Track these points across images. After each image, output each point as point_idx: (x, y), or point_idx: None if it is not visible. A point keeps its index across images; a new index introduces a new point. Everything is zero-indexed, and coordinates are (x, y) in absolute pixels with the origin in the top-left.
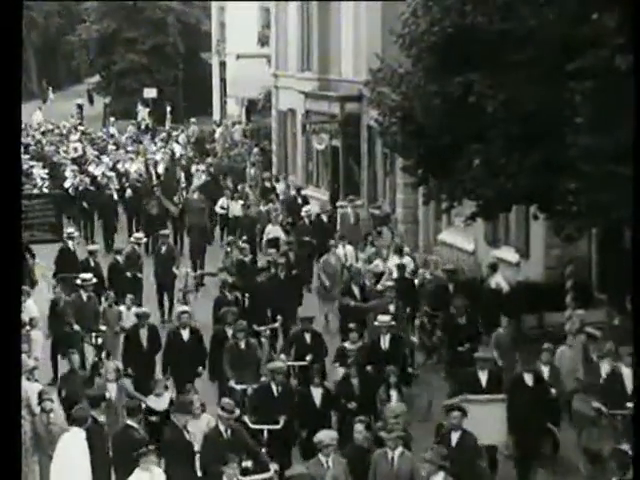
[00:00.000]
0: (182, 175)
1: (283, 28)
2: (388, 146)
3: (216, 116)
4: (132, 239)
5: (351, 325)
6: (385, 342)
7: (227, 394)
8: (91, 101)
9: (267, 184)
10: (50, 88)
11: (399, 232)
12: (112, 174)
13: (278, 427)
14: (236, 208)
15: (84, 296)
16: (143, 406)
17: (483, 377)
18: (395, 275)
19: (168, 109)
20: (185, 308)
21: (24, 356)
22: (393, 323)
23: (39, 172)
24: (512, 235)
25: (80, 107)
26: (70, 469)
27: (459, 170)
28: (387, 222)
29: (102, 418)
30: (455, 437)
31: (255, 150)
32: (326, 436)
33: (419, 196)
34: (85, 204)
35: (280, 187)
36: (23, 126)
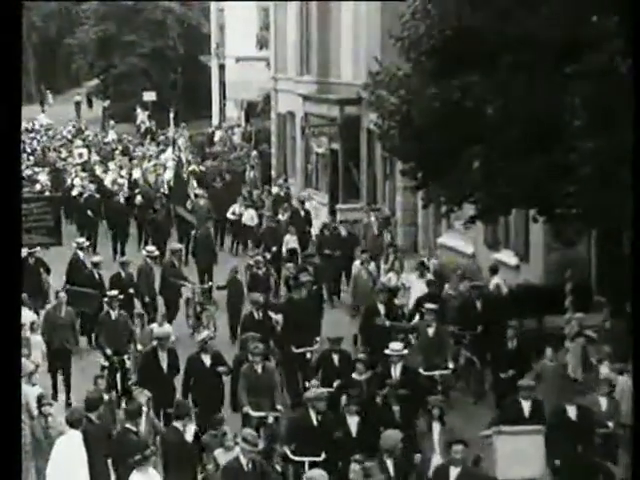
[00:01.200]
0: (194, 181)
1: (282, 31)
2: (387, 149)
3: (215, 119)
4: (144, 252)
5: (360, 355)
6: (396, 373)
7: (244, 423)
8: (90, 104)
9: (280, 192)
10: (49, 91)
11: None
12: (123, 181)
13: (320, 459)
14: (248, 216)
15: (112, 314)
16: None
17: (526, 406)
18: (418, 291)
19: (172, 114)
20: (209, 333)
21: (23, 360)
22: (405, 352)
23: (44, 178)
24: (512, 238)
25: (78, 104)
26: (67, 471)
27: (458, 173)
28: (387, 225)
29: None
30: (454, 474)
31: (254, 153)
32: (319, 475)
33: (419, 199)
34: (90, 212)
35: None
36: (32, 129)
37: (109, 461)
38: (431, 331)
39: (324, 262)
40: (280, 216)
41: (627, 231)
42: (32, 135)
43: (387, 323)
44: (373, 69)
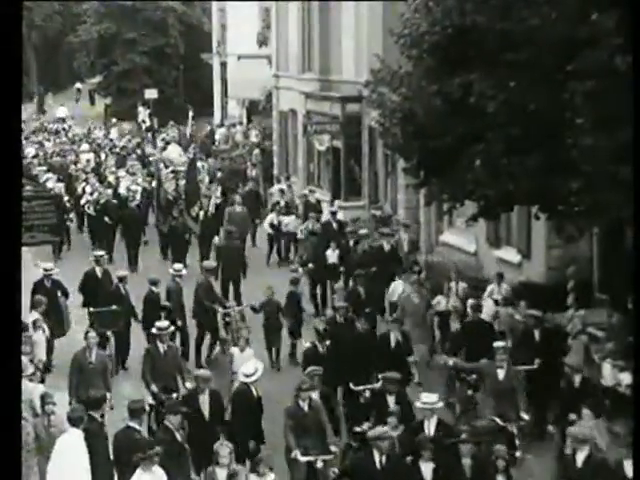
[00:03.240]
0: (218, 189)
1: (284, 29)
2: (389, 147)
3: (217, 117)
4: (171, 271)
5: (392, 408)
6: (430, 428)
7: (292, 467)
8: (92, 102)
9: (310, 198)
10: (49, 92)
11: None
12: (137, 188)
13: None
14: (293, 224)
15: (161, 348)
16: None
17: (580, 457)
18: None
19: (190, 113)
20: (261, 367)
21: (26, 358)
22: (441, 404)
23: (55, 185)
24: (514, 235)
25: (79, 91)
26: (68, 470)
27: (460, 171)
28: (388, 223)
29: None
30: None
31: (256, 151)
32: None
33: (421, 197)
34: (107, 219)
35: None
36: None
37: (111, 459)
38: (501, 374)
39: (372, 282)
40: (310, 225)
41: (629, 228)
42: (48, 137)
43: (450, 362)
44: (375, 67)
